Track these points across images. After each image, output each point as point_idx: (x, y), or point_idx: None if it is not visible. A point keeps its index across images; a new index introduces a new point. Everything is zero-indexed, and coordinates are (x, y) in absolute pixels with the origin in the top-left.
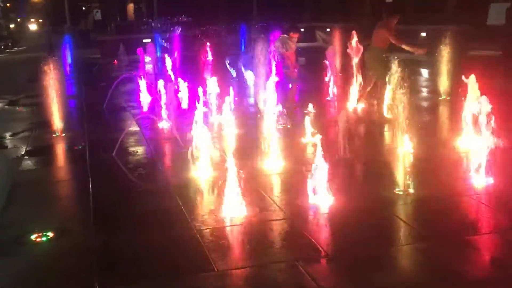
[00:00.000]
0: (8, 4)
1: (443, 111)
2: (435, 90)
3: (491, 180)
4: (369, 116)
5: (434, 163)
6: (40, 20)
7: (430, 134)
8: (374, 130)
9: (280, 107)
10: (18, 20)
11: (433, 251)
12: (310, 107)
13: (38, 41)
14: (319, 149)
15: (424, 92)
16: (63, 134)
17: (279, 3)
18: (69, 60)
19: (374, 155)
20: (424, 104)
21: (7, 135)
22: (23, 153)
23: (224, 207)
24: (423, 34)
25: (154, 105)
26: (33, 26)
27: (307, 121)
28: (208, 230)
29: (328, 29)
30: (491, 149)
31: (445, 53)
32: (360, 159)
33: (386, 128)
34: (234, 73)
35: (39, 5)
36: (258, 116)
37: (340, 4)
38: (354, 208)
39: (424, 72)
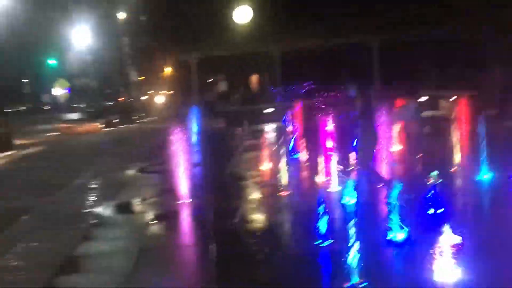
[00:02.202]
0: (141, 78)
1: None
2: None
3: None
4: None
5: None
6: (169, 92)
7: None
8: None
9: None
10: (149, 92)
11: None
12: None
13: (166, 112)
14: None
15: None
16: (189, 201)
17: (403, 72)
18: (195, 130)
19: None
20: None
21: (137, 200)
22: (151, 218)
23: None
24: None
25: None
26: (160, 99)
27: None
28: None
29: (452, 98)
30: None
31: None
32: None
33: None
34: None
35: (169, 78)
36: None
37: (467, 73)
38: None
39: None
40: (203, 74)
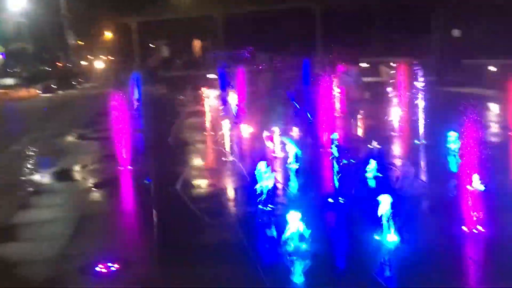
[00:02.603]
0: (80, 42)
1: None
2: (506, 126)
3: None
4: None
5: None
6: (110, 58)
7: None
8: (441, 166)
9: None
10: (89, 57)
11: None
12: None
13: (107, 78)
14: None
15: (495, 128)
16: (129, 167)
17: (346, 39)
18: (136, 96)
19: (443, 190)
20: (495, 139)
21: (77, 167)
22: (91, 185)
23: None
24: (493, 69)
25: (218, 139)
26: (99, 64)
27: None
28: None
29: (393, 64)
30: None
31: None
32: (429, 193)
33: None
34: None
35: (109, 43)
36: (321, 150)
37: (406, 38)
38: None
39: (494, 108)
40: (145, 39)
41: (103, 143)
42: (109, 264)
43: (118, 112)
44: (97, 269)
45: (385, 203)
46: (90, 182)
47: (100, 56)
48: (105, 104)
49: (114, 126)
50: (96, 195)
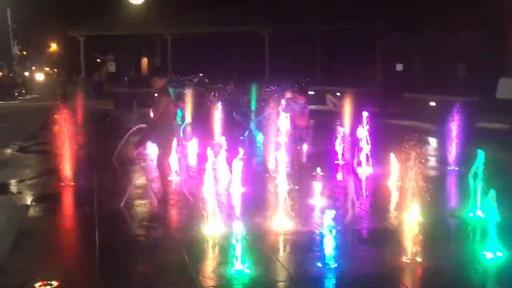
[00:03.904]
0: (24, 52)
1: (451, 181)
2: (443, 160)
3: (499, 251)
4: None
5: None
6: (55, 70)
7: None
8: (385, 194)
9: (287, 168)
10: (33, 68)
11: None
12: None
13: (51, 90)
14: (328, 213)
15: (433, 162)
16: (72, 183)
17: (292, 67)
18: (81, 110)
19: (381, 221)
20: (432, 173)
21: (16, 181)
22: (31, 200)
23: (231, 265)
24: (433, 103)
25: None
26: (40, 76)
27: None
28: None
29: (338, 93)
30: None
31: (453, 124)
32: (367, 223)
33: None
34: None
35: (54, 55)
36: (267, 175)
37: (352, 70)
38: (359, 274)
39: (433, 142)
40: (92, 52)
41: (45, 156)
42: (48, 282)
43: (61, 125)
44: (36, 286)
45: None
46: (30, 197)
47: (45, 68)
48: (48, 116)
49: (57, 140)
50: (35, 210)
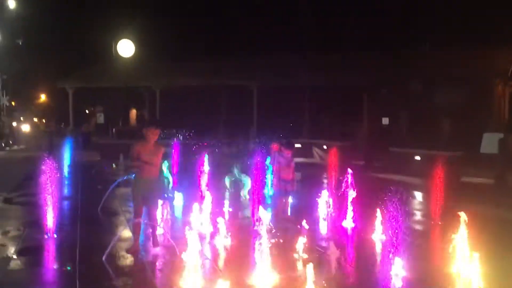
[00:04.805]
0: (13, 103)
1: (434, 235)
2: (427, 214)
3: None
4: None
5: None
6: (44, 121)
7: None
8: (368, 251)
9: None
10: (22, 119)
11: None
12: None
13: (39, 141)
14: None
15: (418, 216)
16: (55, 235)
17: (280, 119)
18: (68, 162)
19: (366, 280)
20: (416, 227)
21: None
22: (12, 252)
23: None
24: (417, 157)
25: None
26: (25, 127)
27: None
28: None
29: (325, 147)
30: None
31: (438, 178)
32: (351, 280)
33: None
34: (228, 185)
35: (43, 105)
36: (254, 228)
37: (339, 123)
38: None
39: (418, 196)
40: (80, 104)
41: (29, 208)
42: None
43: (47, 177)
44: None
45: None
46: (11, 249)
47: (34, 119)
48: (34, 168)
49: (42, 192)
50: (16, 263)
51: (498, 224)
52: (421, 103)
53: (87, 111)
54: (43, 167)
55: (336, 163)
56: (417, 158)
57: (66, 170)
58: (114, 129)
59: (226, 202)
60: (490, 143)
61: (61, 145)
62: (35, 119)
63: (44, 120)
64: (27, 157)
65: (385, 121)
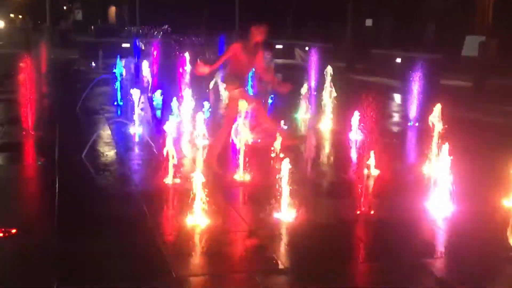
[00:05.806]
0: None
1: (411, 136)
2: (405, 116)
3: (451, 207)
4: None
5: (397, 187)
6: (20, 17)
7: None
8: (344, 149)
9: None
10: None
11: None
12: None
13: (17, 38)
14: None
15: (395, 117)
16: (33, 133)
17: (263, 19)
18: (46, 59)
19: (339, 174)
20: (394, 128)
21: None
22: None
23: (189, 216)
24: (398, 60)
25: (128, 110)
26: (0, 23)
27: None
28: (170, 238)
29: (307, 48)
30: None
31: (417, 81)
32: (326, 177)
33: (355, 149)
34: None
35: (19, 1)
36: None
37: (322, 24)
38: (315, 225)
39: (397, 98)
40: (58, 0)
41: (7, 105)
42: (6, 229)
43: (25, 74)
44: None
45: None
46: None
47: (10, 15)
48: (12, 65)
49: (20, 89)
50: None
51: (473, 127)
52: (407, 6)
53: (64, 8)
54: (21, 64)
55: (317, 64)
56: (398, 60)
57: (45, 67)
58: (92, 27)
59: (207, 103)
60: (472, 46)
61: (39, 42)
62: (11, 15)
63: (20, 16)
64: (3, 54)
65: (369, 22)
